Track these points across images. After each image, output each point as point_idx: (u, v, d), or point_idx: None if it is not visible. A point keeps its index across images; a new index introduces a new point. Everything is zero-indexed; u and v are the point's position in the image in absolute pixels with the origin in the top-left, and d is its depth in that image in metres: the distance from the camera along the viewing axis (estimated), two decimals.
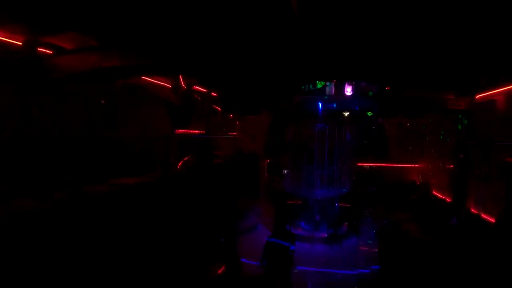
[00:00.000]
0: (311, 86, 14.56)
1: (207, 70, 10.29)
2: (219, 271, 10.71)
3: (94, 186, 7.12)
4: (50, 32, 7.30)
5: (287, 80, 13.05)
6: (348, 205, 16.91)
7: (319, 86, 14.80)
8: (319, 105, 15.40)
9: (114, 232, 6.86)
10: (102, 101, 9.68)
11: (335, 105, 15.66)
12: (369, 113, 17.42)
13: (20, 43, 7.46)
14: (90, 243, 6.28)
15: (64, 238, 5.77)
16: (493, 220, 10.66)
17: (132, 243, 7.41)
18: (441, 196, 16.01)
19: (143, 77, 11.10)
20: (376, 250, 13.02)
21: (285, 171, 17.82)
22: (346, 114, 18.52)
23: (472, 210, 12.43)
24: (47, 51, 7.66)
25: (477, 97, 12.95)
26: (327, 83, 14.70)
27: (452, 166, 15.02)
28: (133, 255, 7.40)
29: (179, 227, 9.34)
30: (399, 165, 20.00)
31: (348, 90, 14.69)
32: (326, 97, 14.99)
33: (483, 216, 11.57)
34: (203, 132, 14.93)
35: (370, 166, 20.44)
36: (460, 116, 14.09)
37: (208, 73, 10.93)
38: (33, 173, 6.48)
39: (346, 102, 15.46)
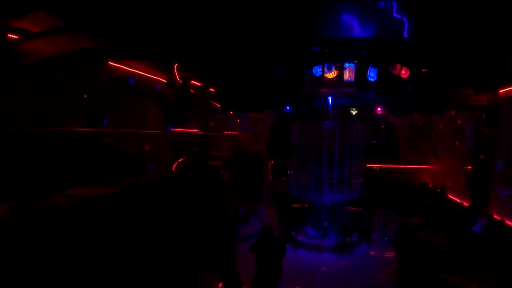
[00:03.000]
0: (326, 69, 12.85)
1: (195, 52, 8.90)
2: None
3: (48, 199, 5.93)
4: (16, 14, 6.38)
5: (296, 62, 11.70)
6: (358, 209, 16.07)
7: (332, 75, 13.12)
8: (328, 99, 14.37)
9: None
10: (85, 96, 8.72)
11: (346, 101, 14.62)
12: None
13: None
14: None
15: None
16: None
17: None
18: (457, 200, 15.22)
19: (134, 70, 10.28)
20: (389, 256, 12.48)
21: (291, 173, 17.11)
22: (354, 112, 17.74)
23: (495, 216, 11.62)
24: (13, 36, 6.79)
25: (500, 92, 12.09)
26: (346, 65, 12.95)
27: (470, 167, 14.23)
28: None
29: (164, 240, 8.24)
30: (410, 166, 19.31)
31: (372, 75, 12.84)
32: (339, 88, 13.29)
33: (508, 223, 10.81)
34: (200, 130, 14.08)
35: (380, 167, 19.78)
36: (481, 112, 13.12)
37: (199, 57, 9.56)
38: None
39: (365, 92, 13.76)
